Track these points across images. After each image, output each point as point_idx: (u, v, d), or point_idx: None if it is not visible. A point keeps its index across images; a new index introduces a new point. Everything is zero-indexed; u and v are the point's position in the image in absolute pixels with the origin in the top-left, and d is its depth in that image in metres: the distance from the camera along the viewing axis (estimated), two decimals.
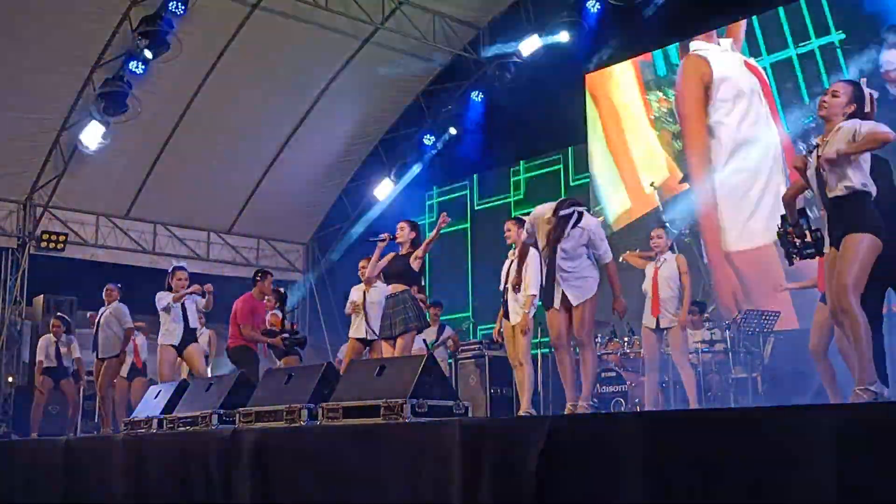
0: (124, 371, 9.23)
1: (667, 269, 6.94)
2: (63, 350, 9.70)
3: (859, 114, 4.08)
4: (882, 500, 2.30)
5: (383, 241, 6.75)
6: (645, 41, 11.09)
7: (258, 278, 8.54)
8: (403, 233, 6.71)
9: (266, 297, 8.67)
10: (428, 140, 13.65)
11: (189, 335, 7.99)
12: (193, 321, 8.08)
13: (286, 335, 8.50)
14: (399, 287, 6.60)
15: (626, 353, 8.44)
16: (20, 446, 7.36)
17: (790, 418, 2.61)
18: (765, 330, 8.01)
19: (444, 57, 13.12)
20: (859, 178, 4.01)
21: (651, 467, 2.71)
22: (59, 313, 10.39)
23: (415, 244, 6.68)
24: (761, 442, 2.53)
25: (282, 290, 9.34)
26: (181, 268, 8.16)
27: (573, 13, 11.47)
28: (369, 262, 7.57)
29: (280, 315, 8.74)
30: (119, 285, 8.99)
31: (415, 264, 6.61)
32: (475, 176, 13.56)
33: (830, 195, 4.06)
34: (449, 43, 12.67)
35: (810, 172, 4.18)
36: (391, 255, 6.80)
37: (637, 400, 7.89)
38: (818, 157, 4.10)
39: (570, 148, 12.08)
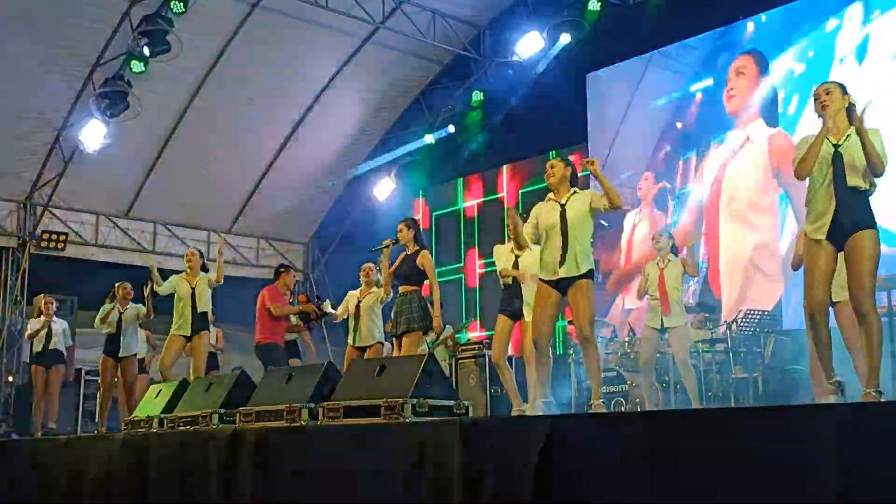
0: None
1: (672, 270, 6.96)
2: (55, 332, 9.37)
3: (850, 104, 4.32)
4: (884, 500, 2.30)
5: (388, 247, 6.78)
6: (645, 41, 11.09)
7: (281, 271, 8.60)
8: (403, 233, 6.74)
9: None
10: (428, 139, 13.66)
11: (196, 322, 7.82)
12: (203, 305, 7.86)
13: (317, 303, 8.65)
14: (409, 287, 6.65)
15: (627, 353, 8.44)
16: (20, 446, 7.35)
17: (791, 418, 2.61)
18: (765, 330, 8.01)
19: (444, 56, 13.12)
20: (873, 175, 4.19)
21: (651, 467, 2.71)
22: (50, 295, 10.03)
23: (417, 240, 6.72)
24: (762, 442, 2.53)
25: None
26: (195, 250, 8.28)
27: (573, 13, 11.47)
28: (370, 266, 7.58)
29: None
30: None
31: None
32: (475, 174, 13.58)
33: (851, 184, 4.13)
34: (449, 42, 12.67)
35: (818, 160, 4.21)
36: (402, 256, 6.83)
37: (637, 400, 7.88)
38: (835, 146, 4.20)
39: (569, 147, 12.07)
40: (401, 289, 6.73)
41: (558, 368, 8.08)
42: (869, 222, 4.12)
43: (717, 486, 2.57)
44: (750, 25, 10.23)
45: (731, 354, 7.85)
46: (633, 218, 11.07)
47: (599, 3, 11.22)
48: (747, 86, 9.98)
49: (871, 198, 4.21)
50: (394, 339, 6.72)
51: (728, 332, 7.88)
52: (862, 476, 2.33)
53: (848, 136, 4.20)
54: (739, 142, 9.93)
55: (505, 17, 12.51)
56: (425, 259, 6.68)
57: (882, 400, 3.96)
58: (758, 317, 8.00)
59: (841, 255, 4.19)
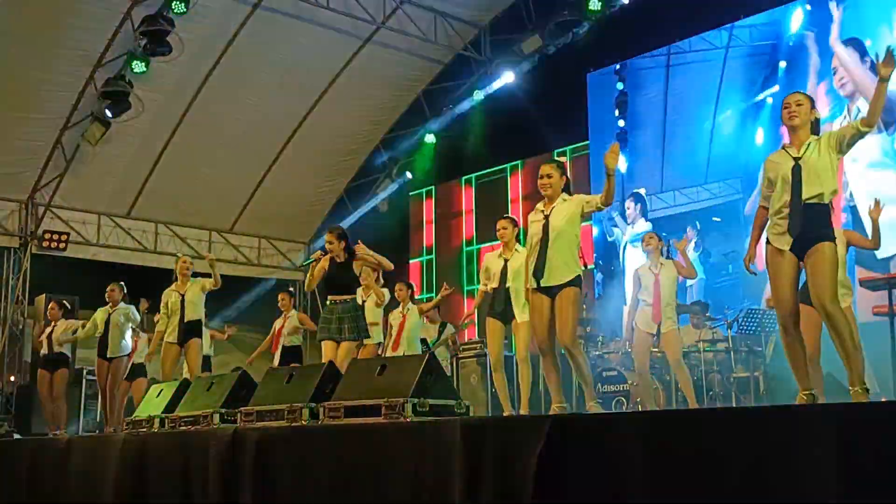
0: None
1: (665, 274, 6.91)
2: (55, 336, 9.13)
3: (815, 119, 4.41)
4: (883, 499, 2.30)
5: (317, 260, 6.80)
6: (645, 40, 11.09)
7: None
8: (334, 245, 6.73)
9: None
10: (429, 139, 13.67)
11: (188, 329, 7.79)
12: (193, 313, 7.84)
13: None
14: (347, 297, 6.68)
15: (628, 353, 8.42)
16: (21, 445, 7.36)
17: (791, 418, 2.61)
18: (766, 329, 8.00)
19: (444, 56, 13.13)
20: (835, 185, 4.27)
21: (652, 467, 2.71)
22: (58, 299, 9.93)
23: (348, 251, 6.73)
24: (762, 441, 2.53)
25: None
26: (187, 258, 8.28)
27: (574, 12, 11.48)
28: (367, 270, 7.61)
29: None
30: (122, 283, 8.97)
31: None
32: (476, 174, 13.59)
33: (806, 196, 4.19)
34: (450, 42, 12.67)
35: (781, 175, 4.28)
36: (328, 264, 6.78)
37: (638, 399, 7.88)
38: (796, 159, 4.27)
39: (570, 147, 12.10)
40: (336, 297, 6.69)
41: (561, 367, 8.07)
42: (826, 234, 4.18)
43: (716, 485, 2.58)
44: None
45: (732, 354, 7.85)
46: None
47: (600, 3, 11.22)
48: (854, 70, 9.66)
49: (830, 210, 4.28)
50: (324, 341, 6.66)
51: (729, 331, 7.88)
52: (862, 476, 2.34)
53: (808, 145, 4.27)
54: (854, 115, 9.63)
55: (505, 17, 12.51)
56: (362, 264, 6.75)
57: (869, 397, 4.02)
58: (759, 315, 7.98)
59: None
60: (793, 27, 10.15)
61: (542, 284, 5.12)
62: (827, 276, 4.10)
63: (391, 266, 6.97)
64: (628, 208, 11.44)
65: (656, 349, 7.37)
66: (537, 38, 11.86)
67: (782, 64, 10.25)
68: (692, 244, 10.61)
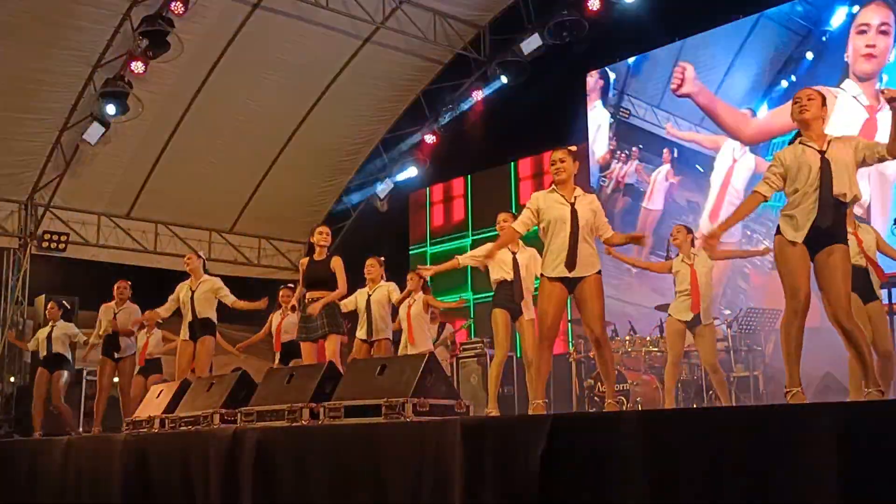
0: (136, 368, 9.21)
1: (702, 264, 6.72)
2: (55, 335, 9.16)
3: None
4: (882, 498, 2.30)
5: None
6: (645, 40, 11.08)
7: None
8: (326, 238, 6.87)
9: None
10: (429, 139, 13.67)
11: (197, 327, 7.67)
12: (203, 311, 7.70)
13: None
14: (320, 293, 6.67)
15: (628, 352, 8.41)
16: (22, 446, 7.37)
17: (791, 417, 2.61)
18: (766, 328, 7.99)
19: (444, 56, 13.12)
20: (857, 189, 4.17)
21: (652, 467, 2.71)
22: (58, 300, 9.78)
23: (330, 248, 6.90)
24: (762, 441, 2.53)
25: None
26: (193, 253, 8.25)
27: (574, 12, 11.48)
28: (372, 262, 7.62)
29: None
30: (130, 282, 8.94)
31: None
32: (475, 174, 13.58)
33: (837, 192, 4.07)
34: (450, 42, 12.67)
35: (803, 167, 4.15)
36: (308, 260, 6.90)
37: (638, 399, 7.87)
38: (820, 152, 4.13)
39: (569, 147, 12.07)
40: (314, 293, 6.72)
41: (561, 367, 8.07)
42: (844, 237, 4.10)
43: (716, 485, 2.58)
44: None
45: (731, 353, 7.83)
46: (729, 153, 9.94)
47: (600, 2, 11.22)
48: (886, 47, 8.74)
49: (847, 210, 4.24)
50: (303, 342, 6.72)
51: (729, 330, 7.87)
52: (862, 476, 2.34)
53: (829, 142, 4.16)
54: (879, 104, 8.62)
55: (505, 17, 12.51)
56: (338, 263, 6.81)
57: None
58: (759, 314, 7.98)
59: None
60: (833, 23, 9.38)
61: (569, 275, 5.02)
62: (842, 289, 3.99)
63: (343, 294, 7.05)
64: (591, 76, 11.67)
65: (691, 344, 6.99)
66: (537, 38, 11.85)
67: (809, 55, 9.60)
68: (665, 170, 10.73)
